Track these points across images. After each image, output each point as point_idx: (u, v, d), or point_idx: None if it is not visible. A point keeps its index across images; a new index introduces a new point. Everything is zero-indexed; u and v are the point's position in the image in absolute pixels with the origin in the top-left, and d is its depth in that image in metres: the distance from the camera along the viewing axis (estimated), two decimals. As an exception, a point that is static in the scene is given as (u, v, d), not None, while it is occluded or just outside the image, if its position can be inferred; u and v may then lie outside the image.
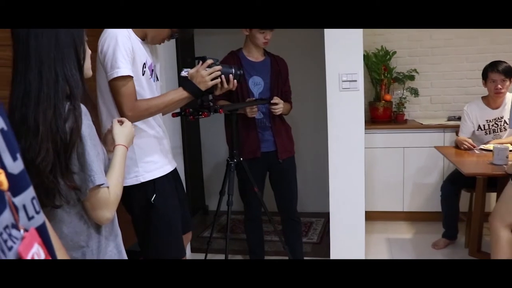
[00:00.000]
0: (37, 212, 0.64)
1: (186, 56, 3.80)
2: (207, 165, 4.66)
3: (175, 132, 2.98)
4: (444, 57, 4.15)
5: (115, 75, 1.67)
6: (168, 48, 2.98)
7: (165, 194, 1.85)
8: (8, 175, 0.57)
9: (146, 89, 1.82)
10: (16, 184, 0.60)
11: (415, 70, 4.08)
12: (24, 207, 0.62)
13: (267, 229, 3.53)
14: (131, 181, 1.80)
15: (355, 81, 2.73)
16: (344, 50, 2.71)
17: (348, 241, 3.00)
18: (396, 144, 3.88)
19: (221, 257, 3.27)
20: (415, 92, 4.08)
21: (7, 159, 0.59)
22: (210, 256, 2.83)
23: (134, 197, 1.82)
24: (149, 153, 1.84)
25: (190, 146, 4.17)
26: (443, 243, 3.40)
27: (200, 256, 3.19)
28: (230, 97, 2.66)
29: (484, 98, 3.36)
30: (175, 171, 2.01)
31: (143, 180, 1.81)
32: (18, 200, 0.60)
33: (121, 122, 1.48)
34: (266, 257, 3.21)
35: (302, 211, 3.24)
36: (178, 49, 3.30)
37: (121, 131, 1.44)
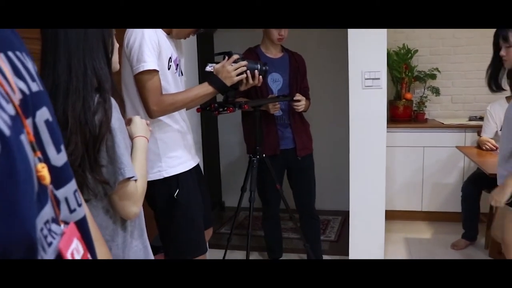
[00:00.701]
0: (79, 205, 0.63)
1: (206, 52, 3.80)
2: (224, 161, 4.66)
3: (195, 128, 2.98)
4: (466, 56, 4.09)
5: (141, 69, 1.67)
6: (189, 43, 2.98)
7: (188, 189, 1.85)
8: (51, 168, 0.55)
9: (172, 83, 1.82)
10: (59, 177, 0.58)
11: (436, 69, 4.03)
12: (66, 200, 0.60)
13: (284, 226, 3.53)
14: (154, 176, 1.80)
15: (378, 79, 2.70)
16: (368, 47, 2.69)
17: (368, 240, 2.98)
18: (416, 143, 3.84)
19: (240, 253, 3.29)
20: (436, 91, 4.03)
21: (51, 151, 0.57)
22: (229, 253, 2.82)
23: (157, 192, 1.82)
24: (173, 148, 1.84)
25: (208, 142, 4.18)
26: (463, 243, 3.36)
27: (218, 253, 3.19)
28: (248, 94, 2.64)
29: (508, 98, 3.30)
30: (197, 167, 2.01)
31: (166, 175, 1.81)
32: (60, 193, 0.59)
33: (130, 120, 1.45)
34: (284, 255, 3.21)
35: (319, 209, 3.22)
36: (198, 44, 3.30)
37: (141, 122, 1.43)
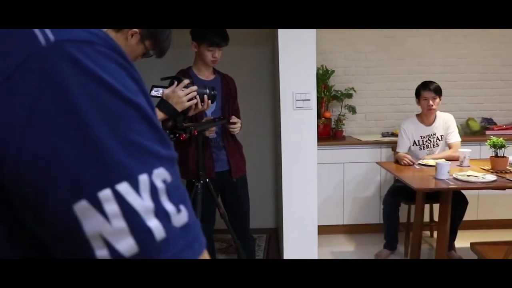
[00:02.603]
0: None
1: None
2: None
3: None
4: (377, 76, 4.38)
5: None
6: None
7: None
8: None
9: None
10: None
11: (352, 89, 4.26)
12: None
13: (218, 247, 3.50)
14: None
15: (309, 100, 2.80)
16: (298, 69, 2.77)
17: (301, 255, 3.04)
18: (337, 160, 4.01)
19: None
20: (352, 110, 4.26)
21: None
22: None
23: None
24: None
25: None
26: (385, 253, 3.56)
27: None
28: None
29: (418, 116, 3.59)
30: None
31: None
32: None
33: None
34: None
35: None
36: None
37: None
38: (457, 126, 3.63)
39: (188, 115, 1.88)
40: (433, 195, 3.32)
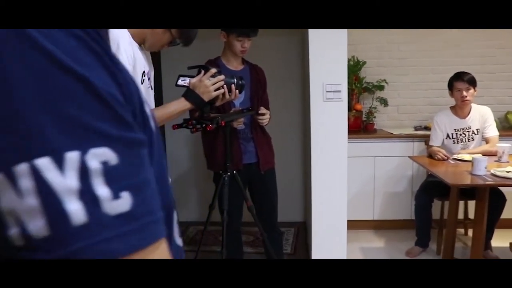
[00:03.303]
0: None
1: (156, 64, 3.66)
2: (173, 174, 4.51)
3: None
4: (410, 68, 4.25)
5: None
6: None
7: None
8: None
9: (146, 99, 1.69)
10: None
11: (384, 81, 4.15)
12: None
13: (245, 240, 3.47)
14: None
15: (339, 91, 2.72)
16: (329, 60, 2.69)
17: (329, 250, 2.97)
18: (368, 154, 3.91)
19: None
20: (384, 102, 4.15)
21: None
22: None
23: None
24: None
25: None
26: (417, 250, 3.46)
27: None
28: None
29: (452, 108, 3.46)
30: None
31: None
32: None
33: None
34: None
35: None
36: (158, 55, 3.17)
37: None
38: (495, 120, 3.48)
39: (215, 105, 1.84)
40: (468, 192, 3.19)
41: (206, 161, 2.78)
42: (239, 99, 2.68)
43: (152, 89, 1.79)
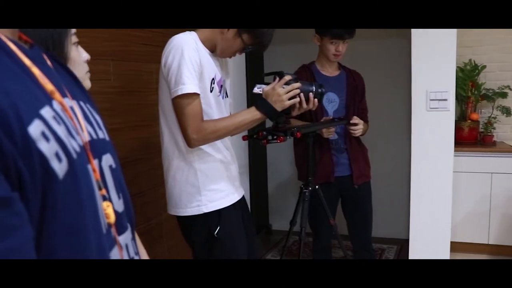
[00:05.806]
0: (136, 254, 0.65)
1: (255, 70, 3.61)
2: (272, 182, 4.46)
3: (242, 149, 2.80)
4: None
5: (180, 92, 1.49)
6: (237, 61, 2.80)
7: (231, 226, 1.65)
8: (114, 211, 0.57)
9: (214, 108, 1.63)
10: (120, 222, 0.60)
11: (508, 87, 3.68)
12: (127, 246, 0.61)
13: (335, 255, 3.29)
14: (193, 210, 1.62)
15: (446, 100, 2.43)
16: (434, 64, 2.42)
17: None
18: (483, 169, 3.49)
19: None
20: (507, 111, 3.68)
21: (114, 196, 0.59)
22: None
23: (195, 228, 1.63)
24: (214, 180, 1.64)
25: (256, 161, 3.99)
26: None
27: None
28: (301, 115, 2.42)
29: None
30: (242, 200, 1.80)
31: (206, 211, 1.62)
32: (121, 239, 0.60)
33: None
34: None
35: (373, 236, 2.97)
36: (247, 62, 3.12)
37: None
38: None
39: (291, 115, 1.70)
40: None
41: (297, 171, 2.67)
42: (333, 107, 2.52)
43: (226, 96, 1.72)
